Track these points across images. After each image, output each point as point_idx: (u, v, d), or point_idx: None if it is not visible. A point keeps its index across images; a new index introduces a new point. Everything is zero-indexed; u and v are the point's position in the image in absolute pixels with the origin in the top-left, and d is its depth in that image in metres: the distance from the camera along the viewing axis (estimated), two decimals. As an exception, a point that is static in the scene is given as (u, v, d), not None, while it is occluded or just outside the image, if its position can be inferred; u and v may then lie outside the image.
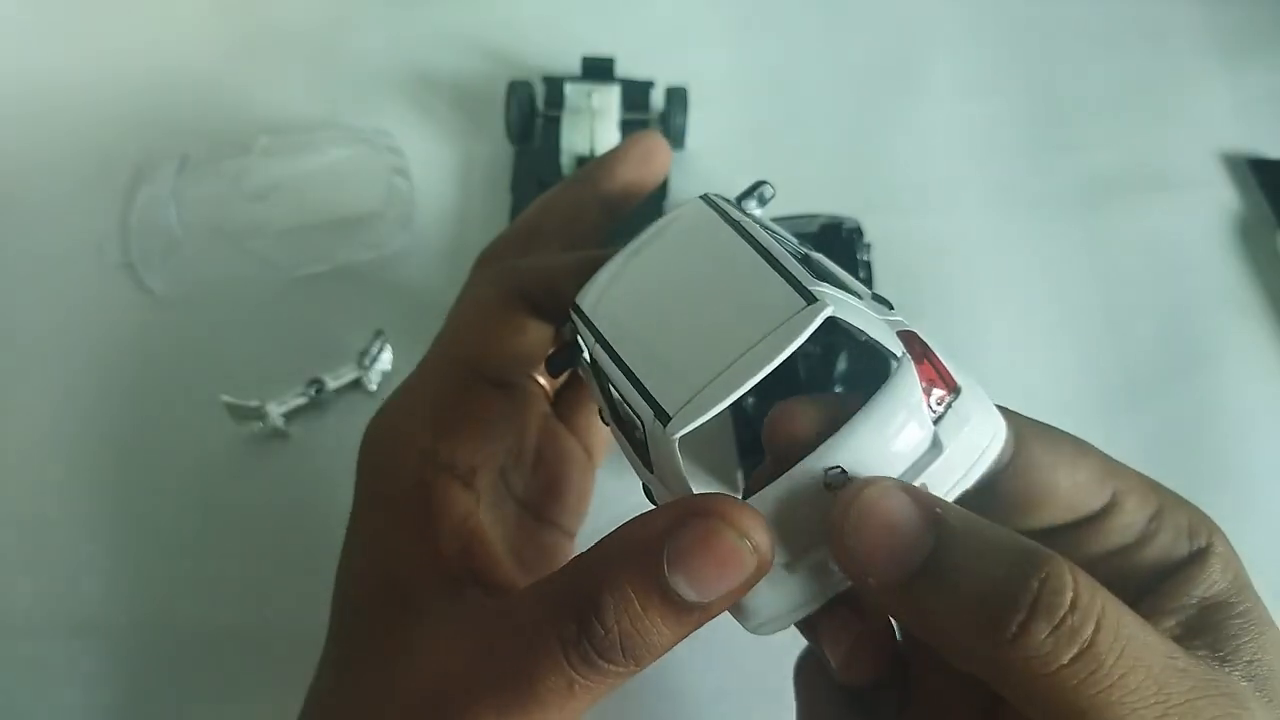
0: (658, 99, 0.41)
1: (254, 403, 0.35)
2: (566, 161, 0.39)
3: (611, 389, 0.22)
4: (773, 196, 0.24)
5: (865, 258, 0.36)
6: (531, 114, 0.40)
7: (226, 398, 0.35)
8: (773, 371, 0.19)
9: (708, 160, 0.41)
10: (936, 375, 0.20)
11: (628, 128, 0.39)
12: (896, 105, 0.42)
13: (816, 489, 0.19)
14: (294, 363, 0.36)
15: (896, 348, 0.20)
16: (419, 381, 0.26)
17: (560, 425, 0.29)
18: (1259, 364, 0.37)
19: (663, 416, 0.20)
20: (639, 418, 0.20)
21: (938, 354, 0.20)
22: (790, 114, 0.42)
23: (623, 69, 0.40)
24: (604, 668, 0.19)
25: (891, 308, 0.22)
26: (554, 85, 0.40)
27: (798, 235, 0.24)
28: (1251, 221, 0.40)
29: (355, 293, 0.38)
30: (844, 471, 0.19)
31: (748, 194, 0.24)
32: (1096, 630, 0.17)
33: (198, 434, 0.35)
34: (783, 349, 0.19)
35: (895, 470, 0.19)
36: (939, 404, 0.20)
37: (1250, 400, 0.37)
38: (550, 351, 0.25)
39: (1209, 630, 0.19)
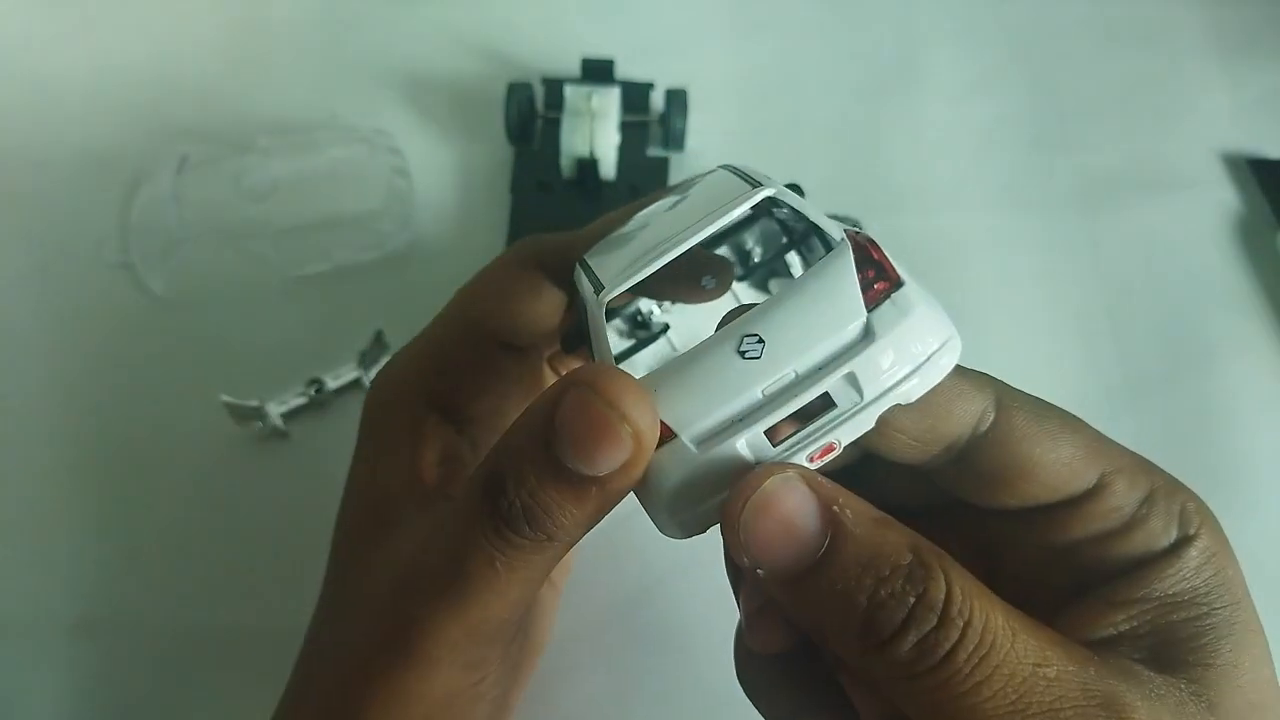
0: (658, 101, 0.41)
1: (254, 403, 0.35)
2: (566, 163, 0.39)
3: (581, 302, 0.22)
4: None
5: None
6: (531, 115, 0.40)
7: (226, 398, 0.35)
8: (718, 250, 0.19)
9: (708, 162, 0.40)
10: (877, 267, 0.19)
11: (627, 130, 0.39)
12: (896, 106, 0.42)
13: (732, 358, 0.18)
14: (294, 363, 0.36)
15: (836, 233, 0.19)
16: (428, 332, 0.26)
17: None
18: (1259, 363, 0.37)
19: (598, 288, 0.20)
20: (586, 304, 0.20)
21: (886, 253, 0.19)
22: (790, 115, 0.42)
23: (622, 71, 0.40)
24: (516, 541, 0.19)
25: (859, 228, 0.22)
26: (554, 87, 0.40)
27: None
28: (1252, 221, 0.40)
29: (355, 293, 0.38)
30: (761, 340, 0.18)
31: None
32: (960, 639, 0.17)
33: (198, 434, 0.35)
34: (715, 221, 0.19)
35: (817, 349, 0.18)
36: (877, 294, 0.19)
37: (1251, 400, 0.37)
38: (564, 327, 0.26)
39: (1161, 632, 0.19)
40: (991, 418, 0.20)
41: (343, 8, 0.44)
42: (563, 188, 0.39)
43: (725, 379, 0.18)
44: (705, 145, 0.41)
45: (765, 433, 0.18)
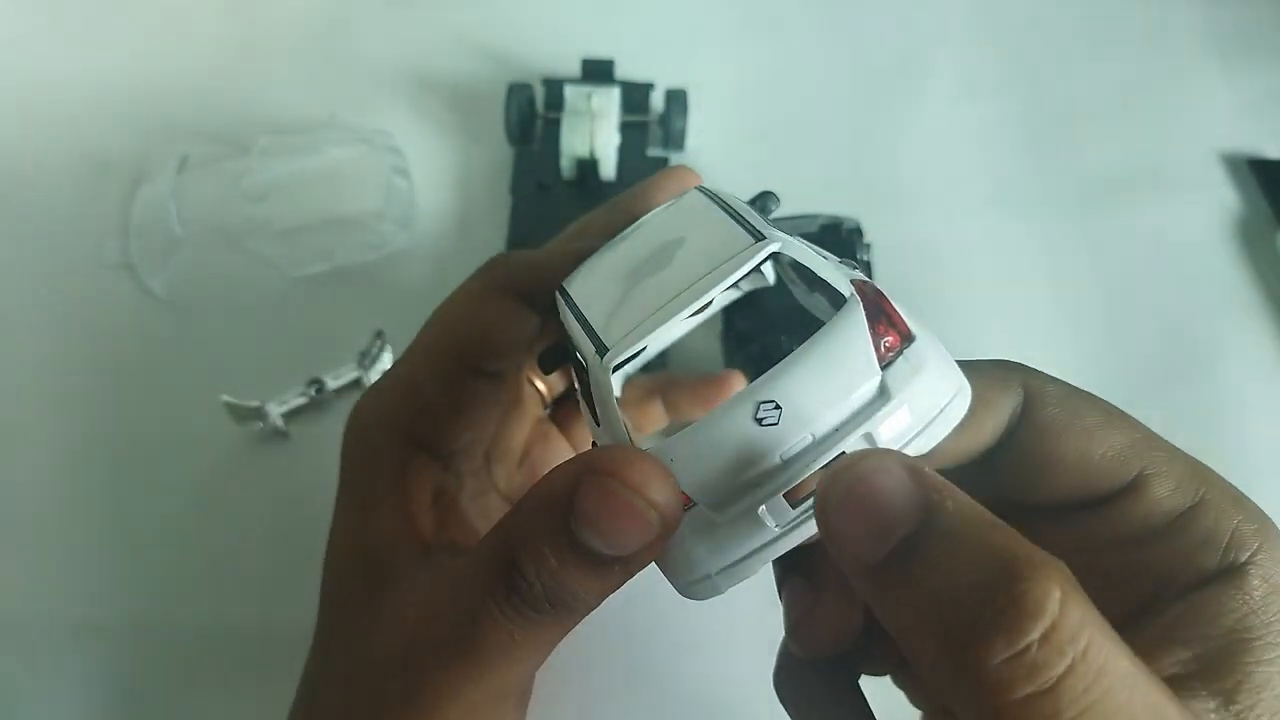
0: (658, 101, 0.41)
1: (254, 403, 0.35)
2: (566, 163, 0.39)
3: (575, 351, 0.21)
4: (777, 208, 0.24)
5: (865, 258, 0.36)
6: (531, 116, 0.40)
7: (227, 398, 0.35)
8: (726, 311, 0.18)
9: (708, 161, 0.41)
10: (887, 320, 0.19)
11: (627, 130, 0.39)
12: (896, 106, 0.42)
13: (749, 425, 0.18)
14: (294, 362, 0.36)
15: (845, 288, 0.19)
16: (402, 367, 0.26)
17: (555, 429, 0.29)
18: (1259, 363, 0.37)
19: (601, 350, 0.19)
20: (586, 362, 0.20)
21: (894, 304, 0.19)
22: (790, 115, 0.42)
23: (622, 71, 0.40)
24: (536, 619, 0.19)
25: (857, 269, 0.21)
26: (554, 87, 0.40)
27: (797, 235, 0.24)
28: (1251, 221, 0.40)
29: (355, 293, 0.38)
30: (778, 406, 0.18)
31: (751, 203, 0.23)
32: (1068, 671, 0.14)
33: (198, 434, 0.35)
34: (722, 279, 0.19)
35: (835, 412, 0.18)
36: (889, 350, 0.18)
37: (1251, 399, 0.37)
38: (542, 348, 0.25)
39: (1228, 673, 0.17)
40: (1018, 414, 0.19)
41: (343, 8, 0.44)
42: (563, 188, 0.39)
43: (743, 446, 0.18)
44: (705, 145, 0.41)
45: (784, 495, 0.18)
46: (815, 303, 0.23)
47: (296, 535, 0.33)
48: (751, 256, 0.19)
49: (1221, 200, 0.41)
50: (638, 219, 0.24)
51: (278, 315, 0.38)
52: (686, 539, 0.18)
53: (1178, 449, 0.19)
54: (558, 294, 0.22)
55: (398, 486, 0.23)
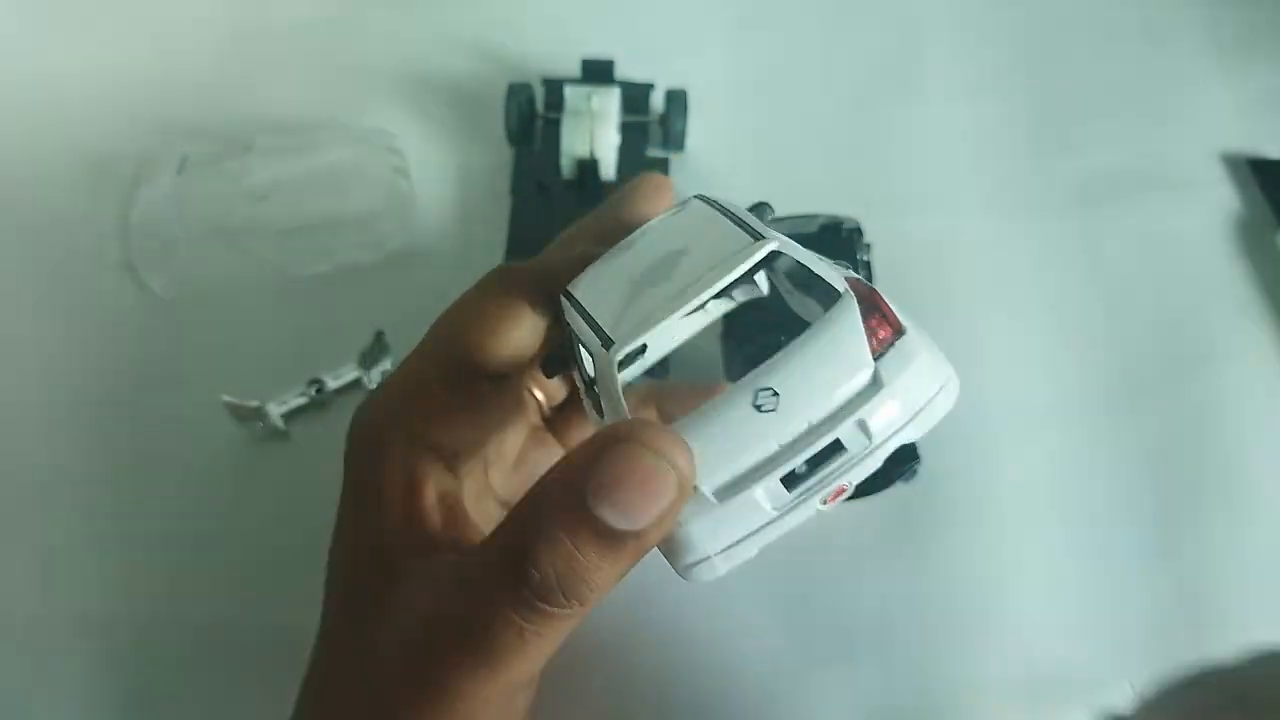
0: (657, 101, 0.41)
1: (254, 403, 0.35)
2: (566, 163, 0.39)
3: (579, 347, 0.22)
4: (771, 216, 0.25)
5: (865, 258, 0.36)
6: (531, 116, 0.40)
7: (227, 397, 0.35)
8: (728, 310, 0.20)
9: (708, 162, 0.41)
10: (880, 315, 0.20)
11: (628, 130, 0.40)
12: (896, 106, 0.43)
13: (748, 412, 0.19)
14: (294, 362, 0.36)
15: (840, 284, 0.20)
16: (408, 368, 0.26)
17: (551, 437, 0.29)
18: (1259, 363, 0.37)
19: (607, 343, 0.21)
20: (593, 358, 0.21)
21: (886, 300, 0.21)
22: (790, 115, 0.43)
23: (622, 71, 0.41)
24: (548, 611, 0.19)
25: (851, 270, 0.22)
26: (554, 87, 0.40)
27: (797, 235, 0.25)
28: (1252, 221, 0.40)
29: (355, 293, 0.38)
30: (776, 393, 0.19)
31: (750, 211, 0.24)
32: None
33: (198, 433, 0.36)
34: (721, 277, 0.20)
35: (830, 400, 0.19)
36: (881, 343, 0.20)
37: (1251, 399, 0.37)
38: (546, 352, 0.26)
39: None
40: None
41: (343, 8, 0.44)
42: (563, 188, 0.39)
43: (743, 432, 0.19)
44: (705, 146, 0.41)
45: (781, 479, 0.19)
46: (810, 305, 0.24)
47: (296, 533, 0.33)
48: (751, 255, 0.20)
49: (1221, 200, 0.41)
50: (628, 224, 0.25)
51: (278, 314, 0.38)
52: (687, 521, 0.20)
53: None
54: (564, 297, 0.23)
55: (404, 484, 0.24)
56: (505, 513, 0.28)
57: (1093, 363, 0.38)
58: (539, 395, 0.28)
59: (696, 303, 0.20)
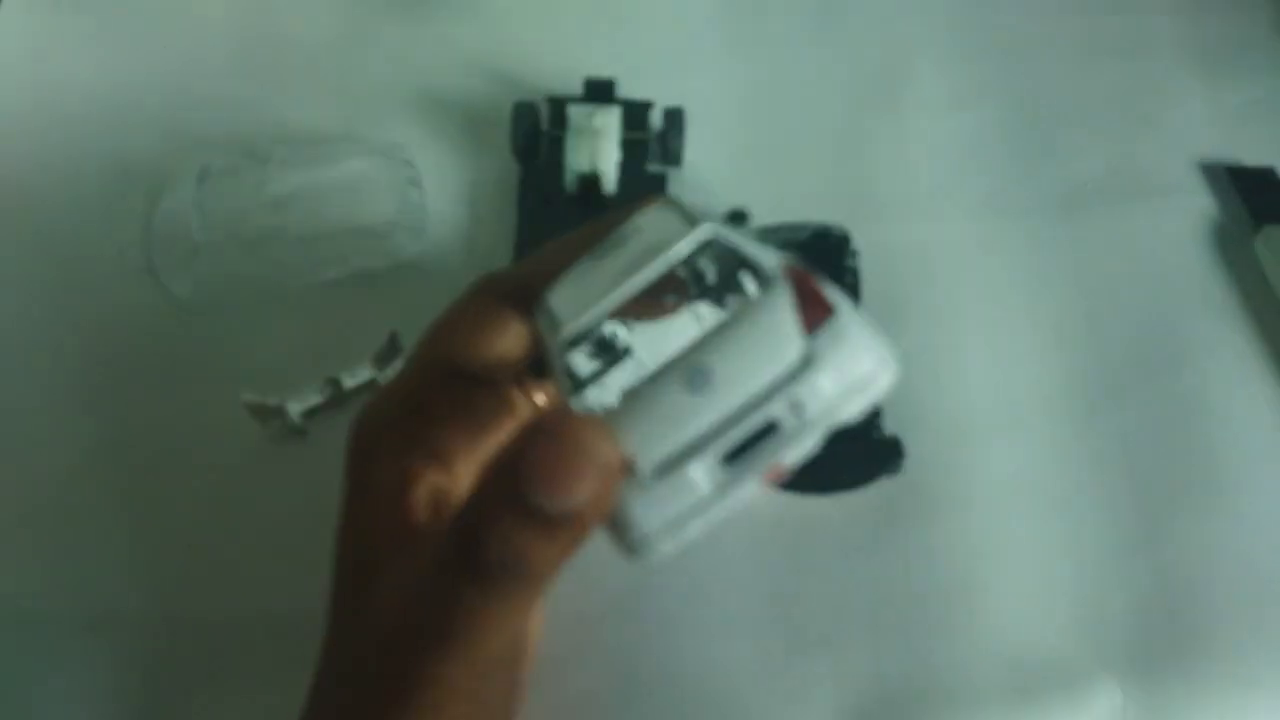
0: (656, 119, 0.42)
1: (273, 402, 0.36)
2: (569, 178, 0.40)
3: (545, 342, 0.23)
4: (749, 221, 0.26)
5: (853, 265, 0.37)
6: (536, 133, 0.41)
7: (247, 397, 0.36)
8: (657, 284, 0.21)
9: (704, 175, 0.42)
10: (813, 295, 0.20)
11: (628, 146, 0.40)
12: (882, 119, 0.43)
13: (681, 392, 0.20)
14: (311, 364, 0.37)
15: (771, 265, 0.21)
16: (402, 375, 0.27)
17: None
18: (1236, 367, 0.38)
19: (556, 327, 0.22)
20: (545, 342, 0.22)
21: (818, 282, 0.21)
22: (781, 129, 0.43)
23: (623, 90, 0.41)
24: (498, 589, 0.20)
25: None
26: (558, 106, 0.41)
27: (787, 244, 0.25)
28: (1230, 227, 0.41)
29: (369, 298, 0.39)
30: (706, 373, 0.19)
31: (729, 219, 0.25)
32: None
33: (219, 432, 0.36)
34: (662, 261, 0.21)
35: (761, 378, 0.20)
36: (813, 323, 0.20)
37: (1228, 402, 0.37)
38: (533, 355, 0.26)
39: None
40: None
41: (358, 27, 0.45)
42: (566, 201, 0.40)
43: (677, 412, 0.20)
44: (702, 160, 0.42)
45: (717, 458, 0.20)
46: (745, 290, 0.24)
47: (313, 529, 0.34)
48: (687, 241, 0.21)
49: (1201, 207, 0.41)
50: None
51: (295, 319, 0.39)
52: (625, 501, 0.20)
53: None
54: (539, 301, 0.24)
55: (396, 483, 0.24)
56: None
57: (1075, 363, 0.38)
58: (537, 397, 0.29)
59: (636, 288, 0.21)
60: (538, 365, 0.26)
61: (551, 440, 0.19)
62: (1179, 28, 0.45)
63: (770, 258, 0.21)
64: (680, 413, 0.20)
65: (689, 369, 0.20)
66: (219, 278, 0.40)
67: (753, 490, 0.20)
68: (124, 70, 0.44)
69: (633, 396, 0.20)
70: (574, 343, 0.22)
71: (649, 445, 0.20)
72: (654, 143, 0.41)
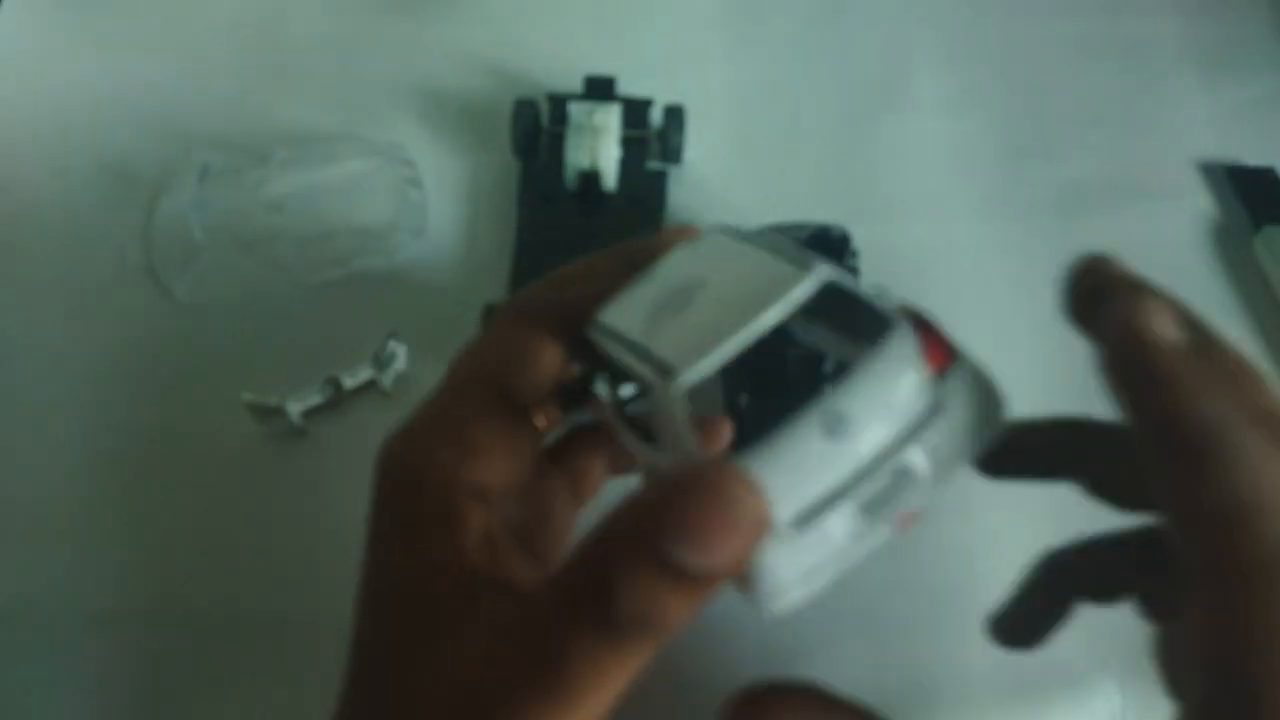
0: (656, 116, 0.42)
1: (273, 402, 0.36)
2: (570, 175, 0.40)
3: (609, 376, 0.22)
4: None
5: (852, 264, 0.37)
6: (537, 130, 0.41)
7: (247, 396, 0.36)
8: (775, 335, 0.20)
9: (704, 173, 0.42)
10: (935, 338, 0.20)
11: (628, 144, 0.41)
12: (883, 120, 0.43)
13: (818, 441, 0.19)
14: (311, 364, 0.37)
15: (890, 309, 0.21)
16: (440, 400, 0.25)
17: (551, 466, 0.29)
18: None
19: (668, 373, 0.20)
20: (645, 384, 0.21)
21: (940, 328, 0.21)
22: (781, 129, 0.43)
23: (623, 88, 0.42)
24: (627, 647, 0.19)
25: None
26: (558, 103, 0.41)
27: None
28: (1229, 227, 0.41)
29: (370, 298, 0.39)
30: (844, 420, 0.19)
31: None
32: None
33: (219, 431, 0.37)
34: (782, 308, 0.20)
35: (896, 424, 0.19)
36: (941, 368, 0.20)
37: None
38: (563, 382, 0.26)
39: None
40: None
41: (358, 26, 0.46)
42: (566, 199, 0.40)
43: (817, 461, 0.19)
44: (701, 158, 0.42)
45: (853, 507, 0.19)
46: (844, 333, 0.24)
47: (313, 529, 0.34)
48: (807, 282, 0.20)
49: (1200, 207, 0.42)
50: (648, 261, 0.25)
51: (295, 318, 0.39)
52: (762, 553, 0.19)
53: None
54: (595, 325, 0.23)
55: (447, 526, 0.23)
56: (520, 544, 0.26)
57: (1074, 363, 0.38)
58: (539, 420, 0.27)
59: (763, 327, 0.20)
60: (566, 393, 0.25)
61: (699, 492, 0.18)
62: (1179, 28, 0.46)
63: (886, 301, 0.21)
64: (820, 461, 0.19)
65: (826, 415, 0.19)
66: (219, 278, 0.40)
67: (885, 538, 0.20)
68: (124, 70, 0.44)
69: (768, 444, 0.19)
70: (691, 392, 0.20)
71: (789, 495, 0.19)
72: (654, 140, 0.41)
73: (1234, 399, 0.18)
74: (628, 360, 0.21)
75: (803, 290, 0.20)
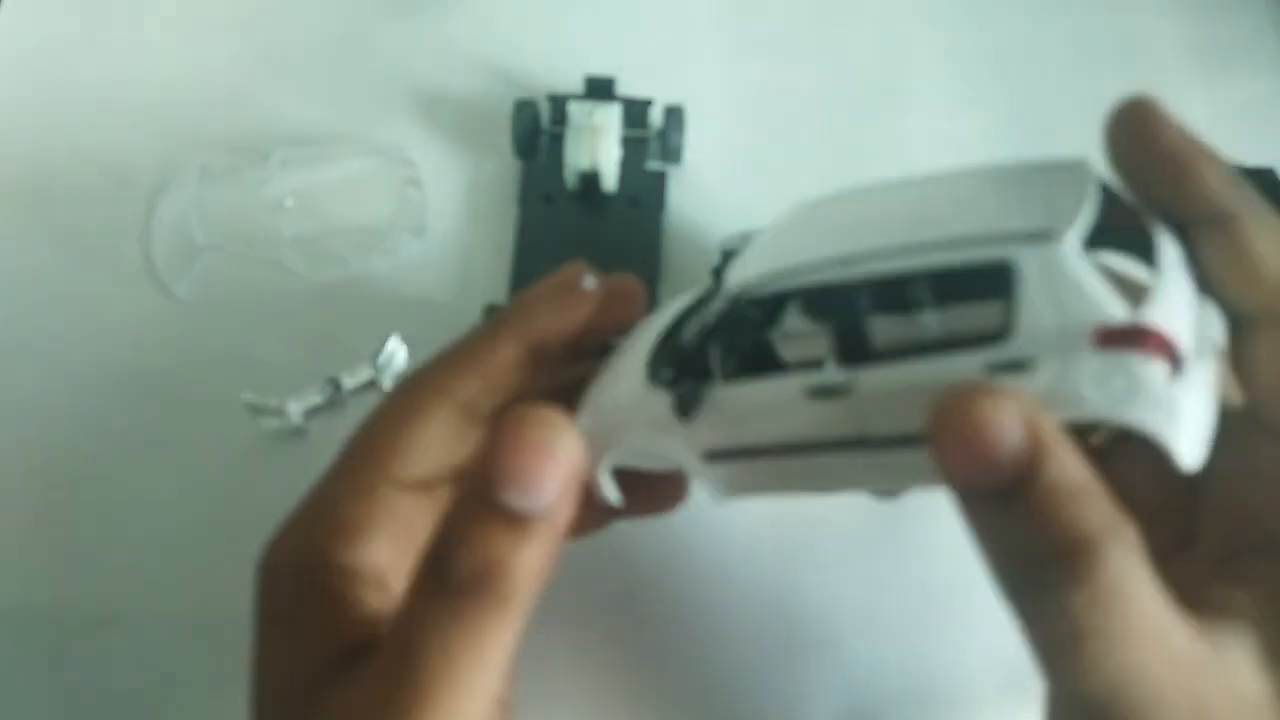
0: (656, 117, 0.42)
1: (274, 401, 0.36)
2: (570, 175, 0.40)
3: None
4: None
5: None
6: (537, 131, 0.41)
7: (247, 396, 0.36)
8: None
9: (704, 173, 0.42)
10: (1167, 347, 0.19)
11: (628, 144, 0.41)
12: (883, 121, 0.44)
13: (1190, 289, 0.20)
14: (311, 364, 0.37)
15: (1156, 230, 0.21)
16: (319, 489, 0.25)
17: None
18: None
19: (1044, 235, 0.19)
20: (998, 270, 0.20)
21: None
22: (781, 130, 0.43)
23: (623, 88, 0.42)
24: (471, 611, 0.18)
25: None
26: (558, 104, 0.41)
27: None
28: None
29: (369, 298, 0.40)
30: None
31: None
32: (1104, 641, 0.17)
33: (220, 431, 0.37)
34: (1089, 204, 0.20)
35: (1190, 339, 0.19)
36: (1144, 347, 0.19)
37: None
38: (682, 347, 0.24)
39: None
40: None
41: (358, 26, 0.46)
42: (567, 199, 0.41)
43: (1188, 307, 0.20)
44: (701, 158, 0.42)
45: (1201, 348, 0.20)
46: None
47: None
48: (1093, 186, 0.22)
49: (1201, 207, 0.42)
50: (528, 343, 0.25)
51: (295, 318, 0.39)
52: (1174, 396, 0.18)
53: None
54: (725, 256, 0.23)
55: (322, 614, 0.22)
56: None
57: None
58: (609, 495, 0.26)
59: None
60: (686, 360, 0.23)
61: (513, 434, 0.19)
62: (1178, 28, 0.46)
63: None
64: (1190, 308, 0.20)
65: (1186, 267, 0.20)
66: (219, 278, 0.40)
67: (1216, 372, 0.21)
68: (124, 70, 0.44)
69: (1163, 292, 0.20)
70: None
71: (1184, 336, 0.19)
72: (654, 140, 0.42)
73: None
74: (931, 263, 0.20)
75: (1093, 190, 0.21)
